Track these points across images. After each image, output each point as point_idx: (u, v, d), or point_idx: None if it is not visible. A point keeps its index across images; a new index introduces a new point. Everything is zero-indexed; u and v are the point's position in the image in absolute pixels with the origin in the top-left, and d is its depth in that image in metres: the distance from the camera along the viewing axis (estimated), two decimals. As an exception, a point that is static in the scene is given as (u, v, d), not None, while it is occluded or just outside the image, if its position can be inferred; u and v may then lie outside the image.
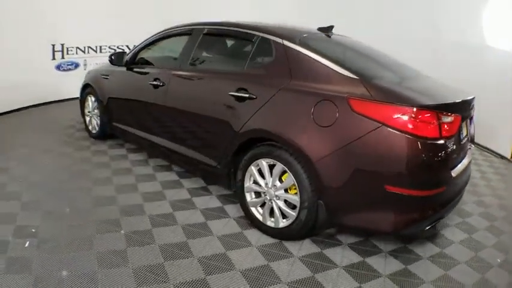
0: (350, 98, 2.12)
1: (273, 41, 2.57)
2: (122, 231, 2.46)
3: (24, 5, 5.11)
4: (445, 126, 2.09)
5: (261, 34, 2.66)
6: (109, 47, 6.43)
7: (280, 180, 2.42)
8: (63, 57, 5.91)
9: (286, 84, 2.38)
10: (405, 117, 2.00)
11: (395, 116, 2.01)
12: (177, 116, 3.08)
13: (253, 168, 2.53)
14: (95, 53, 6.27)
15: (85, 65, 6.12)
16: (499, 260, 2.45)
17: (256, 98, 2.47)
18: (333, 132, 2.15)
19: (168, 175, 3.44)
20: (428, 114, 2.02)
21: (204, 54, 3.20)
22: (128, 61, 3.65)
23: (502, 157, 4.73)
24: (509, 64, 4.35)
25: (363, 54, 2.83)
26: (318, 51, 2.42)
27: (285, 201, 2.42)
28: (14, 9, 5.01)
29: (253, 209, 2.60)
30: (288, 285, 2.08)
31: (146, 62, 3.62)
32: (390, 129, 2.01)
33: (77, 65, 6.04)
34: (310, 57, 2.39)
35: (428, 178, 2.07)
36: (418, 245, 2.53)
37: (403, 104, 2.01)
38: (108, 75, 3.95)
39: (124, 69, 3.72)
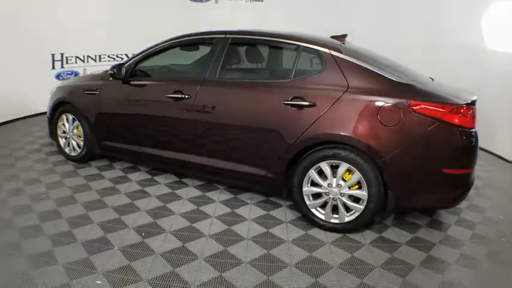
0: (411, 101, 2.35)
1: (320, 51, 2.60)
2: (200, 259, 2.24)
3: (23, 15, 4.97)
4: (474, 118, 2.50)
5: (304, 44, 2.66)
6: (108, 56, 6.12)
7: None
8: (62, 67, 5.69)
9: (345, 90, 2.46)
10: (455, 114, 2.32)
11: (449, 113, 2.33)
12: (212, 129, 2.83)
13: (313, 172, 2.55)
14: (94, 62, 6.01)
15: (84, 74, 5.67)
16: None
17: (315, 106, 2.50)
18: (399, 131, 2.35)
19: (193, 191, 3.14)
20: (468, 110, 2.38)
21: (236, 64, 3.02)
22: (126, 74, 3.17)
23: (503, 159, 4.47)
24: (509, 66, 4.24)
25: (384, 60, 2.95)
26: (362, 60, 2.56)
27: (349, 196, 2.51)
28: (14, 19, 4.86)
29: (313, 210, 2.61)
30: (381, 267, 2.20)
31: (154, 73, 3.23)
32: (445, 124, 2.32)
33: (76, 74, 5.74)
34: (360, 65, 2.52)
35: (470, 159, 2.43)
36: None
37: (454, 103, 2.34)
38: (96, 91, 3.37)
39: (120, 82, 3.23)
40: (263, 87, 2.72)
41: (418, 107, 2.34)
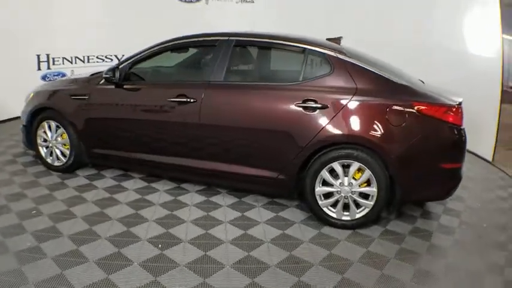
0: (413, 102, 2.48)
1: (327, 54, 2.63)
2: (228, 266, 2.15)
3: (7, 15, 4.74)
4: (462, 117, 2.70)
5: (311, 47, 2.68)
6: (97, 57, 5.87)
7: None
8: (49, 68, 5.44)
9: (354, 93, 2.52)
10: (449, 113, 2.50)
11: (445, 113, 2.49)
12: (220, 132, 2.74)
13: (326, 172, 2.59)
14: (82, 63, 5.77)
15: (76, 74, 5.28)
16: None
17: (327, 108, 2.52)
18: (404, 130, 2.47)
19: (197, 196, 3.01)
20: (458, 109, 2.55)
21: (241, 66, 2.93)
22: (120, 77, 2.94)
23: (485, 160, 4.52)
24: (493, 68, 4.30)
25: (380, 62, 2.99)
26: (365, 62, 2.65)
27: (359, 194, 2.58)
28: None
29: (325, 209, 2.65)
30: (395, 258, 2.31)
31: (151, 77, 3.04)
32: (442, 123, 2.48)
33: (63, 75, 5.49)
34: (365, 68, 2.60)
35: (462, 154, 2.62)
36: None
37: (448, 104, 2.50)
38: (85, 95, 3.08)
39: (113, 86, 2.99)
40: (273, 90, 2.68)
41: (420, 108, 2.47)
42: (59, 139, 3.28)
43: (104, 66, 5.37)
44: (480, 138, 4.35)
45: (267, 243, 2.43)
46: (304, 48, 2.70)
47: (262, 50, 3.04)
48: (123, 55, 5.67)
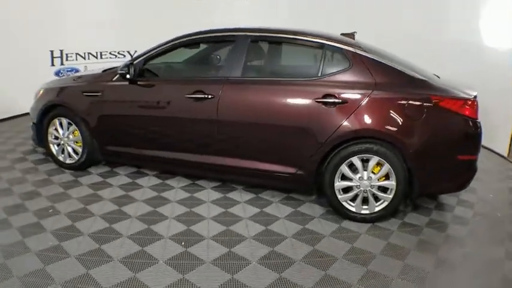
0: (431, 96, 2.47)
1: (345, 49, 2.61)
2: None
3: (22, 12, 4.81)
4: (478, 110, 2.69)
5: (329, 43, 2.64)
6: (110, 53, 5.86)
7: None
8: (62, 64, 5.49)
9: (373, 87, 2.50)
10: (466, 106, 2.49)
11: (462, 106, 2.48)
12: (239, 129, 2.71)
13: (345, 166, 2.57)
14: (95, 59, 5.75)
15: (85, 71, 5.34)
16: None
17: (347, 103, 2.50)
18: (422, 124, 2.46)
19: (213, 193, 2.98)
20: (474, 103, 2.54)
21: (258, 62, 2.89)
22: (135, 73, 2.87)
23: (497, 154, 4.43)
24: (508, 63, 4.21)
25: (395, 57, 2.95)
26: (383, 57, 2.63)
27: (378, 187, 2.57)
28: (12, 16, 4.74)
29: (344, 204, 2.64)
30: (415, 250, 2.29)
31: (165, 73, 3.00)
32: (459, 116, 2.48)
33: (77, 71, 5.45)
34: (383, 62, 2.57)
35: (477, 146, 2.61)
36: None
37: (465, 97, 2.50)
38: (98, 92, 3.02)
39: (127, 82, 2.93)
40: (293, 85, 2.65)
41: (437, 101, 2.47)
42: (71, 136, 3.22)
43: (116, 62, 5.39)
44: (496, 134, 4.32)
45: (289, 238, 2.42)
46: (322, 43, 2.67)
47: (279, 46, 2.99)
48: (135, 51, 5.79)
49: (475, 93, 2.57)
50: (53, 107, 3.21)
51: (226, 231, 2.47)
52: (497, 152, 4.52)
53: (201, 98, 2.74)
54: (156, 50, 2.95)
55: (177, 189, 3.06)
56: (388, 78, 2.56)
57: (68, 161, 3.27)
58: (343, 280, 2.03)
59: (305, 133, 2.59)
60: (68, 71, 5.52)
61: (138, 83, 2.95)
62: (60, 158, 3.29)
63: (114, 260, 2.10)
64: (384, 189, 2.59)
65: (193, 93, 2.77)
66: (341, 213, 2.68)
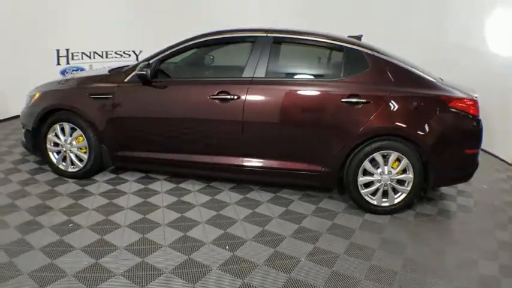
0: (442, 96, 2.67)
1: (364, 51, 2.71)
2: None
3: (27, 11, 4.71)
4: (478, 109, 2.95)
5: (348, 45, 2.73)
6: (115, 53, 5.72)
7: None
8: (68, 63, 5.38)
9: (392, 88, 2.64)
10: (472, 105, 2.73)
11: (468, 105, 2.72)
12: (265, 129, 2.69)
13: (368, 162, 2.68)
14: (101, 58, 5.62)
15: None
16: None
17: (370, 102, 2.60)
18: (436, 121, 2.66)
19: (233, 195, 2.93)
20: (476, 102, 2.78)
21: (282, 63, 2.85)
22: (151, 74, 2.70)
23: (502, 161, 4.34)
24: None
25: (405, 60, 3.04)
26: (400, 60, 2.78)
27: (398, 181, 2.72)
28: (18, 15, 4.64)
29: (366, 198, 2.75)
30: (437, 235, 2.51)
31: (182, 74, 2.88)
32: (465, 114, 2.71)
33: (82, 70, 5.34)
34: (398, 64, 2.73)
35: (480, 140, 2.85)
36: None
37: (471, 97, 2.74)
38: (108, 94, 2.78)
39: (141, 84, 2.74)
40: (318, 86, 2.69)
41: (448, 101, 2.69)
42: (74, 142, 2.94)
43: (120, 62, 5.27)
44: (498, 138, 4.30)
45: (325, 233, 2.48)
46: (343, 45, 2.75)
47: (300, 47, 3.01)
48: (140, 51, 5.68)
49: (476, 94, 2.82)
50: (52, 111, 2.91)
51: (263, 231, 2.45)
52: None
53: (226, 99, 2.68)
54: (172, 50, 2.81)
55: (195, 192, 2.96)
56: (404, 79, 2.73)
57: (71, 170, 2.99)
58: (388, 268, 2.13)
59: (332, 132, 2.67)
60: (73, 70, 5.32)
61: (155, 84, 2.79)
62: (61, 166, 3.00)
63: (164, 273, 1.98)
64: (401, 182, 2.75)
65: (217, 94, 2.69)
66: (363, 207, 2.80)
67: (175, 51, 2.82)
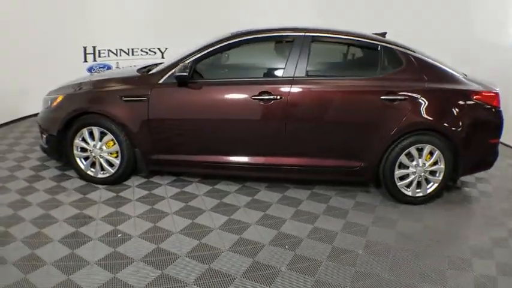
0: (469, 91, 2.78)
1: (397, 50, 2.75)
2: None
3: (55, 9, 4.76)
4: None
5: (384, 44, 2.76)
6: (141, 50, 5.62)
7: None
8: (95, 60, 5.35)
9: (425, 84, 2.70)
10: (494, 98, 2.87)
11: (492, 98, 2.85)
12: (309, 128, 2.68)
13: (404, 156, 2.74)
14: (127, 55, 5.56)
15: (117, 67, 5.44)
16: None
17: (407, 99, 2.65)
18: (465, 114, 2.76)
19: (271, 194, 2.90)
20: (498, 95, 2.91)
21: (321, 62, 2.81)
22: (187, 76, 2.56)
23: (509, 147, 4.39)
24: None
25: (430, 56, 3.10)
26: (428, 57, 2.84)
27: (430, 172, 2.81)
28: (45, 12, 4.66)
29: (402, 190, 2.82)
30: (473, 218, 2.62)
31: (218, 74, 2.78)
32: (490, 106, 2.84)
33: (109, 68, 5.38)
34: (429, 62, 2.79)
35: (501, 130, 2.98)
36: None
37: (493, 91, 2.86)
38: (143, 96, 2.61)
39: (176, 85, 2.60)
40: (357, 84, 2.71)
41: (475, 95, 2.79)
42: (104, 147, 2.76)
43: (146, 60, 5.23)
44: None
45: (371, 226, 2.53)
46: (377, 44, 2.78)
47: (338, 46, 3.00)
48: (166, 48, 5.55)
49: (498, 88, 2.96)
50: (78, 115, 2.70)
51: (314, 229, 2.46)
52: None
53: (269, 99, 2.62)
54: (209, 50, 2.70)
55: (233, 193, 2.89)
56: (435, 75, 2.80)
57: (100, 175, 2.81)
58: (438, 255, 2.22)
59: (372, 128, 2.70)
60: (100, 67, 5.28)
61: (193, 85, 2.66)
62: (90, 172, 2.81)
63: (236, 278, 1.92)
64: (433, 173, 2.84)
65: (259, 95, 2.62)
66: (399, 198, 2.87)
67: (212, 51, 2.70)
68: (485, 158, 2.99)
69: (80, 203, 2.58)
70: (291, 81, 2.67)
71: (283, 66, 2.72)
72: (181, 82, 2.64)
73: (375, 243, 2.33)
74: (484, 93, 2.81)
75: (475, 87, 2.83)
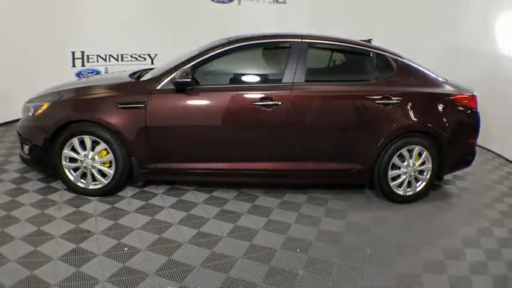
0: (452, 95, 3.00)
1: (388, 56, 2.90)
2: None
3: (43, 12, 4.59)
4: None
5: (376, 50, 2.89)
6: (131, 56, 5.54)
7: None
8: (83, 65, 5.23)
9: (414, 88, 2.88)
10: (472, 101, 3.11)
11: (470, 101, 3.09)
12: (309, 133, 2.72)
13: (396, 157, 2.88)
14: (116, 61, 5.45)
15: (106, 72, 5.29)
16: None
17: (399, 102, 2.79)
18: (449, 116, 2.97)
19: (271, 200, 2.90)
20: (476, 98, 3.15)
21: (318, 67, 2.83)
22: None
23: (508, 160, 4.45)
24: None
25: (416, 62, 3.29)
26: (414, 62, 3.03)
27: (419, 172, 2.99)
28: (32, 16, 4.49)
29: (395, 189, 2.95)
30: (461, 212, 2.84)
31: (216, 80, 2.72)
32: (469, 108, 3.09)
33: (98, 73, 5.28)
34: (417, 67, 2.98)
35: (478, 131, 3.20)
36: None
37: (472, 94, 3.11)
38: (140, 103, 2.49)
39: (174, 91, 2.52)
40: (354, 89, 2.81)
41: (456, 98, 3.02)
42: (97, 157, 2.58)
43: (136, 65, 5.06)
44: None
45: (372, 225, 2.62)
46: (370, 51, 2.91)
47: (334, 52, 3.08)
48: (155, 54, 5.42)
49: (475, 91, 3.22)
50: (68, 124, 2.50)
51: (320, 231, 2.49)
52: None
53: (270, 104, 2.63)
54: (206, 57, 2.65)
55: (232, 200, 2.85)
56: (421, 80, 3.00)
57: (92, 186, 2.63)
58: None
59: (370, 131, 2.81)
60: (89, 72, 5.17)
61: (191, 91, 2.59)
62: (80, 184, 2.61)
63: (257, 285, 1.89)
64: (421, 172, 3.01)
65: (260, 101, 2.63)
66: (392, 198, 3.00)
67: (209, 57, 2.65)
68: (465, 157, 3.23)
69: (74, 216, 2.39)
70: (291, 87, 2.70)
71: (282, 72, 2.75)
72: (180, 88, 2.57)
73: (378, 240, 2.43)
74: (463, 96, 3.05)
75: (455, 90, 3.07)
